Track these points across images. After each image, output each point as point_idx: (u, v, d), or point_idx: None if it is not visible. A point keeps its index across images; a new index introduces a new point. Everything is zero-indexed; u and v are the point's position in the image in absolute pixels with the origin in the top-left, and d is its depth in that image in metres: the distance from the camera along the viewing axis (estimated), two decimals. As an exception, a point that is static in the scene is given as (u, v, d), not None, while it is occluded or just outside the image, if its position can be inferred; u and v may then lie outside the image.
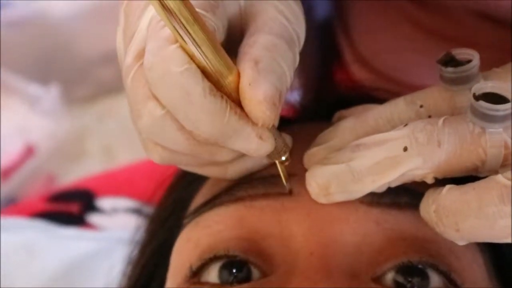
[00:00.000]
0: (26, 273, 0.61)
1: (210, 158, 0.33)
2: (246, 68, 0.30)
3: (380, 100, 0.36)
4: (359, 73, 0.61)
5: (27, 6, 1.25)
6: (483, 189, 0.28)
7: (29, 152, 1.14)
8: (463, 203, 0.28)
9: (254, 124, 0.30)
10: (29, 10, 1.24)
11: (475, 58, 0.32)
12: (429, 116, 0.32)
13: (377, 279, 0.33)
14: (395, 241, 0.33)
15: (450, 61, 0.32)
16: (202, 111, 0.29)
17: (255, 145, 0.31)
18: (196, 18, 0.28)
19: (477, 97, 0.29)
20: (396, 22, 0.57)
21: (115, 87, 1.26)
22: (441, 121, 0.30)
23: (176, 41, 0.29)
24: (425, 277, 0.33)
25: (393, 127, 0.32)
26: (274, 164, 0.35)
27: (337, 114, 0.37)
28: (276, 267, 0.33)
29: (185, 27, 0.28)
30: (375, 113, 0.34)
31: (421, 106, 0.33)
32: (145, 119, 0.31)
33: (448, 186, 0.29)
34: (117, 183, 0.74)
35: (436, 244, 0.34)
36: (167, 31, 0.29)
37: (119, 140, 1.22)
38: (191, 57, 0.29)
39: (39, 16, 1.24)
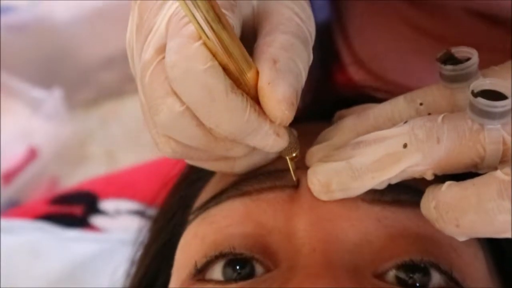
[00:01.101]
0: (30, 275, 0.62)
1: (225, 153, 0.33)
2: (265, 68, 0.30)
3: (379, 100, 0.36)
4: (356, 74, 0.61)
5: (29, 11, 1.25)
6: (482, 184, 0.28)
7: (32, 155, 1.15)
8: (462, 199, 0.29)
9: (272, 121, 0.31)
10: (32, 15, 1.25)
11: (474, 56, 0.32)
12: (429, 114, 0.33)
13: (379, 276, 0.33)
14: (397, 239, 0.34)
15: (449, 59, 0.33)
16: (224, 109, 0.30)
17: (272, 141, 0.32)
18: (221, 16, 0.29)
19: (475, 94, 0.29)
20: (393, 23, 0.58)
21: (117, 91, 1.27)
22: (440, 118, 0.30)
23: (200, 39, 0.29)
24: (426, 273, 0.33)
25: (393, 124, 0.33)
26: (280, 158, 0.36)
27: (337, 114, 0.38)
28: (279, 263, 0.34)
29: (210, 25, 0.29)
30: (375, 111, 0.34)
31: (420, 104, 0.33)
32: (163, 114, 0.31)
33: (448, 183, 0.30)
34: (120, 185, 0.74)
35: (437, 241, 0.34)
36: (190, 28, 0.30)
37: (122, 144, 1.22)
38: (214, 55, 0.29)
39: (41, 21, 1.25)
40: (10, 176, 1.12)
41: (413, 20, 0.56)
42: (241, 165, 0.36)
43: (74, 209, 0.71)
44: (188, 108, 0.30)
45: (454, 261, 0.34)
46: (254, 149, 0.34)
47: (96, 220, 0.71)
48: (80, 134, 1.22)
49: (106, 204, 0.72)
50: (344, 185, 0.32)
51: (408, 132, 0.31)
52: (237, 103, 0.30)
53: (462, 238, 0.30)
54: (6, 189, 1.09)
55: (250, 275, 0.34)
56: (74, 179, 1.11)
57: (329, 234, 0.33)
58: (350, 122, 0.35)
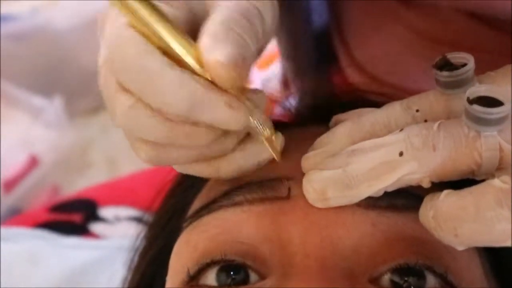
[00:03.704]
0: (29, 282, 0.62)
1: (189, 142, 0.32)
2: (204, 40, 0.30)
3: (376, 103, 0.36)
4: (353, 76, 0.61)
5: (30, 19, 1.26)
6: (480, 193, 0.28)
7: (33, 163, 1.15)
8: (460, 208, 0.28)
9: (222, 91, 0.30)
10: (32, 23, 1.25)
11: (470, 61, 0.32)
12: (425, 120, 0.32)
13: (374, 281, 0.33)
14: (392, 243, 0.34)
15: (446, 65, 0.32)
16: (165, 84, 0.30)
17: (226, 114, 0.31)
18: (150, 3, 0.30)
19: (471, 101, 0.29)
20: (390, 26, 0.58)
21: (118, 98, 1.27)
22: (436, 125, 0.30)
23: (132, 26, 0.30)
24: (421, 276, 0.33)
25: (389, 131, 0.33)
26: (271, 166, 0.35)
27: (334, 119, 0.38)
28: (273, 270, 0.34)
29: (140, 11, 0.30)
30: (371, 117, 0.34)
31: (417, 111, 0.33)
32: (118, 113, 0.31)
33: (445, 192, 0.29)
34: (119, 192, 0.74)
35: (433, 245, 0.34)
36: (122, 19, 0.30)
37: (123, 151, 1.22)
38: (148, 39, 0.30)
39: (42, 29, 1.25)
40: (11, 184, 1.12)
41: (410, 22, 0.56)
42: (225, 169, 0.35)
43: (73, 216, 0.72)
44: (138, 99, 0.31)
45: (449, 264, 0.34)
46: (231, 147, 0.34)
47: (95, 227, 0.71)
48: (80, 142, 1.22)
49: (106, 211, 0.72)
50: (340, 193, 0.32)
51: (404, 140, 0.30)
52: (176, 77, 0.30)
53: (461, 248, 0.29)
54: (7, 198, 1.10)
55: (244, 281, 0.34)
56: (75, 187, 1.11)
57: (323, 240, 0.33)
58: (346, 129, 0.34)
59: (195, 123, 0.31)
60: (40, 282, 0.61)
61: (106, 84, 0.32)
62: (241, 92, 0.32)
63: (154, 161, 0.34)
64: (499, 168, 0.30)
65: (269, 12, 0.34)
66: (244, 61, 0.30)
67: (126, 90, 0.31)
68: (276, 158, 0.35)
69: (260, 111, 0.34)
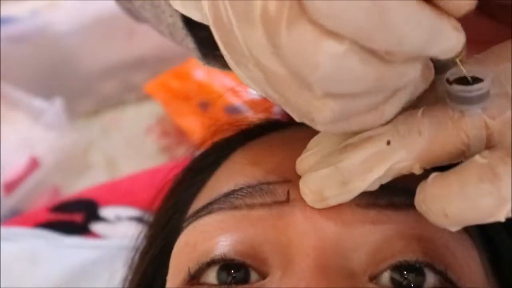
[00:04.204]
0: (30, 282, 0.62)
1: (398, 82, 0.28)
2: None
3: None
4: None
5: (30, 21, 1.26)
6: (462, 171, 0.28)
7: (33, 165, 1.15)
8: (446, 188, 0.28)
9: (449, 16, 0.26)
10: (32, 25, 1.25)
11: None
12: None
13: (374, 279, 0.33)
14: (392, 241, 0.34)
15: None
16: (402, 20, 0.24)
17: (455, 39, 0.27)
18: None
19: (450, 82, 0.29)
20: None
21: (118, 100, 1.27)
22: (420, 111, 0.30)
23: None
24: (421, 273, 0.33)
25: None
26: (270, 168, 0.36)
27: None
28: (273, 270, 0.34)
29: None
30: None
31: None
32: (325, 64, 0.25)
33: (433, 174, 0.29)
34: (120, 192, 0.75)
35: (432, 242, 0.34)
36: None
37: (123, 153, 1.22)
38: None
39: (42, 31, 1.25)
40: (11, 186, 1.12)
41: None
42: (390, 109, 0.30)
43: (74, 216, 0.72)
44: (351, 42, 0.25)
45: (449, 261, 0.34)
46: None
47: (96, 227, 0.71)
48: (81, 144, 1.22)
49: (107, 211, 0.72)
50: (337, 191, 0.32)
51: (390, 129, 0.30)
52: (415, 8, 0.24)
53: (454, 228, 0.29)
54: (8, 199, 1.09)
55: (245, 280, 0.34)
56: (76, 188, 1.11)
57: (323, 241, 0.33)
58: None
59: (407, 60, 0.27)
60: (41, 281, 0.61)
61: (294, 33, 0.25)
62: None
63: (337, 117, 0.28)
64: (488, 147, 0.29)
65: None
66: None
67: (333, 34, 0.24)
68: (467, 76, 0.30)
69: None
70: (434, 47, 0.26)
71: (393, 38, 0.24)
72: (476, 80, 0.29)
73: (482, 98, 0.29)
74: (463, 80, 0.29)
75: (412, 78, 0.28)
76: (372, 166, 0.31)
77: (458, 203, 0.28)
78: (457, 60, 0.30)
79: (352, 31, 0.24)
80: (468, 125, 0.29)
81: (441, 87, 0.32)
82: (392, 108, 0.30)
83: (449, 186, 0.28)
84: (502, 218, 0.28)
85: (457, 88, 0.29)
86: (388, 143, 0.30)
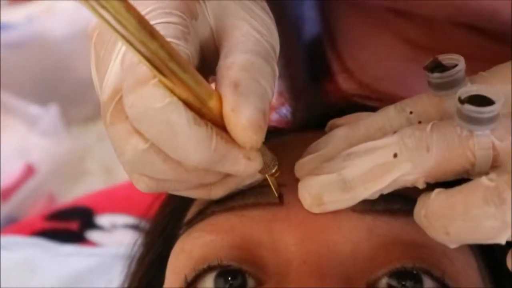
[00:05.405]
0: (26, 290, 0.62)
1: (199, 181, 0.33)
2: (227, 93, 0.29)
3: (370, 109, 0.36)
4: (345, 84, 0.61)
5: (26, 28, 1.26)
6: (468, 191, 0.28)
7: (29, 172, 1.15)
8: (450, 207, 0.29)
9: (241, 147, 0.30)
10: (29, 32, 1.25)
11: (461, 62, 0.32)
12: (419, 122, 0.33)
13: (372, 285, 0.33)
14: (389, 247, 0.34)
15: (437, 67, 0.33)
16: (190, 142, 0.29)
17: (244, 166, 0.31)
18: (172, 52, 0.28)
19: (462, 101, 0.29)
20: (382, 34, 0.58)
21: (114, 106, 1.27)
22: (429, 126, 0.30)
23: (154, 76, 0.28)
24: (418, 280, 0.33)
25: (384, 134, 0.33)
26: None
27: (330, 123, 0.38)
28: (270, 276, 0.34)
29: (162, 63, 0.27)
30: (366, 121, 0.34)
31: (410, 113, 0.33)
32: (128, 154, 0.30)
33: (436, 190, 0.30)
34: (116, 200, 0.74)
35: (430, 248, 0.34)
36: (144, 67, 0.28)
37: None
38: (171, 90, 0.28)
39: (38, 38, 1.25)
40: (8, 193, 1.12)
41: (401, 31, 0.56)
42: (217, 192, 0.35)
43: (70, 224, 0.72)
44: (152, 144, 0.30)
45: (446, 268, 0.34)
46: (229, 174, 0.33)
47: (92, 235, 0.71)
48: (77, 150, 1.22)
49: (102, 219, 0.72)
50: (337, 197, 0.32)
51: (397, 142, 0.31)
52: (202, 133, 0.29)
53: (453, 246, 0.30)
54: (4, 206, 1.09)
55: (242, 286, 0.34)
56: (71, 195, 1.11)
57: (319, 246, 0.33)
58: (341, 133, 0.34)
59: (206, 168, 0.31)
60: (37, 289, 0.61)
61: (114, 122, 0.31)
62: None
63: (153, 190, 0.33)
64: (494, 167, 0.30)
65: (278, 44, 0.34)
66: (265, 118, 0.30)
67: (140, 133, 0.30)
68: (275, 193, 0.35)
69: (269, 152, 0.34)
70: (222, 167, 0.31)
71: (179, 154, 0.30)
72: (486, 100, 0.29)
73: (492, 120, 0.29)
74: (473, 99, 0.29)
75: (215, 179, 0.33)
76: (376, 177, 0.31)
77: (461, 223, 0.28)
78: (267, 176, 0.34)
79: (151, 137, 0.29)
80: (476, 145, 0.29)
81: (448, 102, 0.32)
82: (219, 190, 0.35)
83: (454, 206, 0.29)
84: (503, 241, 0.28)
85: (469, 108, 0.29)
86: (395, 155, 0.31)
